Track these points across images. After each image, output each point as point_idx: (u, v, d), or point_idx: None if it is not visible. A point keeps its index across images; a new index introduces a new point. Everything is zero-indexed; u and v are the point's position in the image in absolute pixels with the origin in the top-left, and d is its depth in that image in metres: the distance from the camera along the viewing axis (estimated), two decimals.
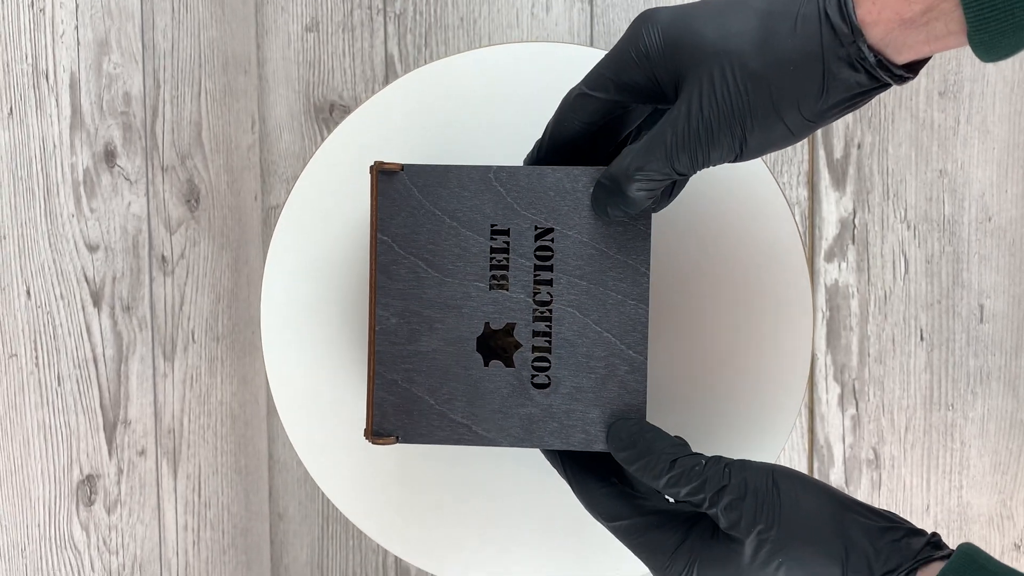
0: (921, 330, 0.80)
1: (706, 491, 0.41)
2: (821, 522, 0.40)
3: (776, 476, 0.41)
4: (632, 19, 0.42)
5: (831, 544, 0.39)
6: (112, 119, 0.65)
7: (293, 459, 0.82)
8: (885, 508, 0.43)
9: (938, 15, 0.34)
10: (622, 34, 0.42)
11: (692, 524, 0.43)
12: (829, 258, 0.80)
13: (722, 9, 0.39)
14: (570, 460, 0.47)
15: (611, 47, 0.42)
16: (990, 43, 0.34)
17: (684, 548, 0.42)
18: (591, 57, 0.54)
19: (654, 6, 0.41)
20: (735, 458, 0.44)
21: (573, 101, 0.43)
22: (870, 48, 0.36)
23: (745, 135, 0.38)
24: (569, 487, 0.46)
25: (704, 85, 0.38)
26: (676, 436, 0.45)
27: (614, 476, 0.46)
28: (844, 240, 0.80)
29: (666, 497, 0.45)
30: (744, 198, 0.56)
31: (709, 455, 0.44)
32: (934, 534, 0.41)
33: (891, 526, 0.40)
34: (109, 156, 0.64)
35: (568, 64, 0.54)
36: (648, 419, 0.53)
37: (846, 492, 0.42)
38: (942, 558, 0.39)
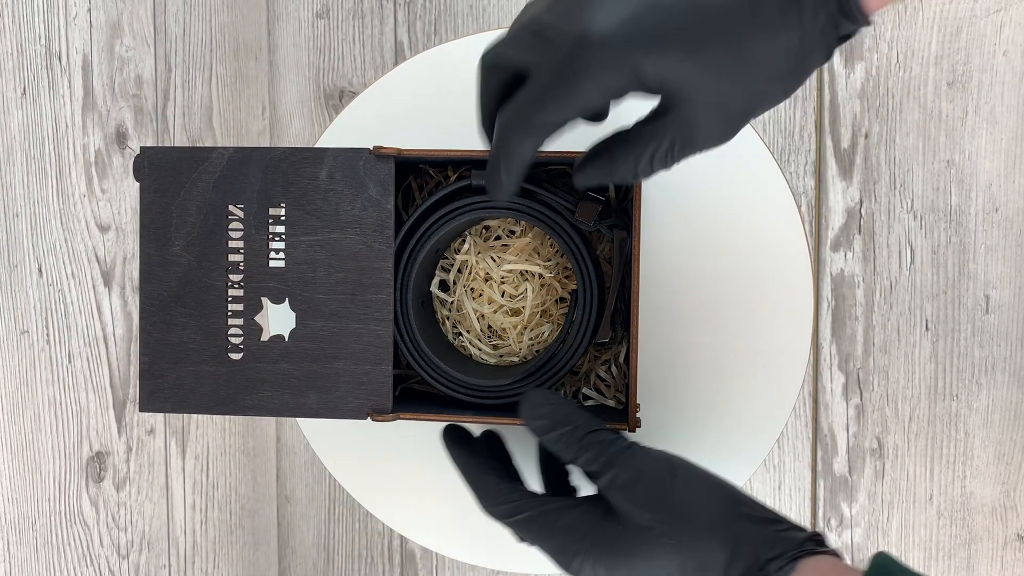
0: (926, 320, 0.80)
1: (602, 466, 0.42)
2: (712, 510, 0.41)
3: (673, 463, 0.42)
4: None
5: (720, 530, 0.40)
6: (124, 101, 0.66)
7: (300, 442, 0.83)
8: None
9: None
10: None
11: (587, 508, 0.43)
12: (835, 247, 0.80)
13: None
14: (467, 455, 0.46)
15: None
16: None
17: (579, 534, 0.42)
18: None
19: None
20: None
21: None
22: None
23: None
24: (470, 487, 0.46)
25: (700, 111, 0.35)
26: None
27: (497, 461, 0.46)
28: (850, 230, 0.80)
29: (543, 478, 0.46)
30: (748, 186, 0.56)
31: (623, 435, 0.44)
32: (816, 532, 0.42)
33: (777, 519, 0.41)
34: (120, 138, 0.65)
35: None
36: (646, 405, 0.53)
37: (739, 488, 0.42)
38: (826, 553, 0.40)
